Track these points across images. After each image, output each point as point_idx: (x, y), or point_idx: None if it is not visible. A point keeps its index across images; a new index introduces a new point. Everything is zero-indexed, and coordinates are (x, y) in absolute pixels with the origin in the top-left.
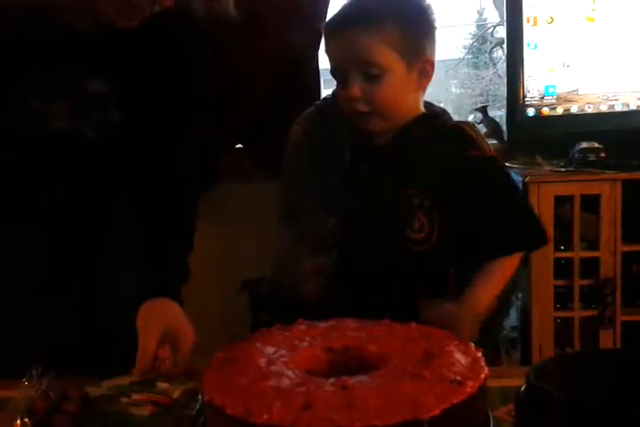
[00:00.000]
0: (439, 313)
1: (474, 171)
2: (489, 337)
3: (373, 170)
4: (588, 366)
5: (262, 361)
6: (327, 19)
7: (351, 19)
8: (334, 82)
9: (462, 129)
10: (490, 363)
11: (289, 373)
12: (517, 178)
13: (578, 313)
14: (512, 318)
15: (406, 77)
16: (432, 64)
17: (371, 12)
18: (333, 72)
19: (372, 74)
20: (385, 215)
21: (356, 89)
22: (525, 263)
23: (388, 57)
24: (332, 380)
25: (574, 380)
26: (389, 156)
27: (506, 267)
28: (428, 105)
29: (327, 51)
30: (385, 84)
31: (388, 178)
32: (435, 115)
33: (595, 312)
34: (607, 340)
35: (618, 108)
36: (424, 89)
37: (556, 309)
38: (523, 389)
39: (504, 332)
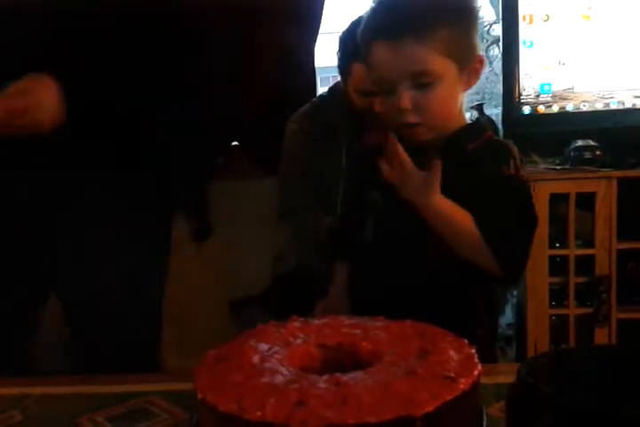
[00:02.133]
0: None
1: (508, 190)
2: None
3: None
4: (580, 363)
5: (256, 358)
6: (365, 25)
7: (402, 27)
8: (330, 80)
9: (510, 147)
10: (484, 360)
11: (282, 370)
12: None
13: (573, 311)
14: (507, 316)
15: (458, 81)
16: (482, 62)
17: (424, 19)
18: (377, 82)
19: (424, 82)
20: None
21: (407, 100)
22: None
23: (442, 64)
24: (325, 377)
25: (566, 376)
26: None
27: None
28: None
29: (369, 60)
30: (438, 92)
31: None
32: (480, 126)
33: (590, 310)
34: (602, 337)
35: (613, 106)
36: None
37: (551, 306)
38: (514, 385)
39: (499, 329)
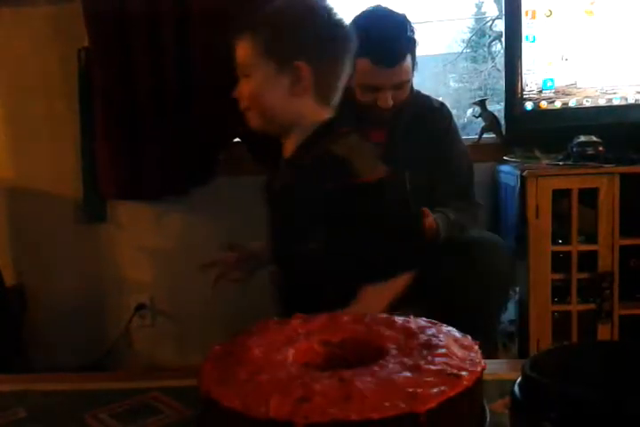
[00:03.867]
0: None
1: (345, 199)
2: (486, 331)
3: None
4: (585, 358)
5: (259, 354)
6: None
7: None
8: None
9: (343, 158)
10: (487, 356)
11: (286, 366)
12: (516, 171)
13: (575, 307)
14: (510, 312)
15: None
16: None
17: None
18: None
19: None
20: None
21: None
22: (523, 257)
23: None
24: (328, 373)
25: (570, 372)
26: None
27: (375, 292)
28: (427, 99)
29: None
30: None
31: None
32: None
33: (592, 306)
34: (605, 334)
35: (616, 102)
36: None
37: (553, 302)
38: (518, 380)
39: (502, 325)
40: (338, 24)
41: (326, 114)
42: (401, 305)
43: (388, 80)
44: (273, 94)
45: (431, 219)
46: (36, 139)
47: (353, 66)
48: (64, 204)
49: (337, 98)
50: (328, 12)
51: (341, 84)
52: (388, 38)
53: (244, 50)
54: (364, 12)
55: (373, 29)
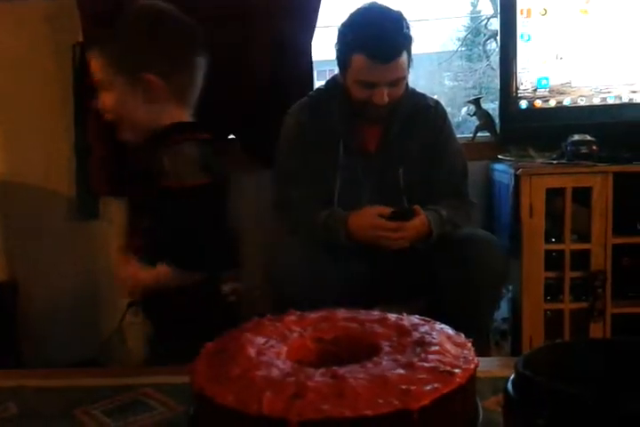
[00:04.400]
0: None
1: (159, 201)
2: (479, 328)
3: None
4: (578, 356)
5: (252, 351)
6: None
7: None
8: (327, 74)
9: (163, 162)
10: (480, 354)
11: (279, 363)
12: (510, 170)
13: (568, 305)
14: (503, 310)
15: None
16: None
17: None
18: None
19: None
20: None
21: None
22: (516, 255)
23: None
24: (322, 370)
25: (563, 369)
26: None
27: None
28: (422, 97)
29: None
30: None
31: None
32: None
33: (585, 305)
34: (597, 332)
35: (610, 101)
36: None
37: (546, 301)
38: (511, 378)
39: (495, 323)
40: (185, 29)
41: (186, 116)
42: (393, 302)
43: (383, 76)
44: (131, 105)
45: (423, 216)
46: (28, 135)
47: (203, 65)
48: (57, 200)
49: (195, 96)
50: (175, 19)
51: (198, 82)
52: (384, 34)
53: (95, 65)
54: (359, 9)
55: (369, 26)
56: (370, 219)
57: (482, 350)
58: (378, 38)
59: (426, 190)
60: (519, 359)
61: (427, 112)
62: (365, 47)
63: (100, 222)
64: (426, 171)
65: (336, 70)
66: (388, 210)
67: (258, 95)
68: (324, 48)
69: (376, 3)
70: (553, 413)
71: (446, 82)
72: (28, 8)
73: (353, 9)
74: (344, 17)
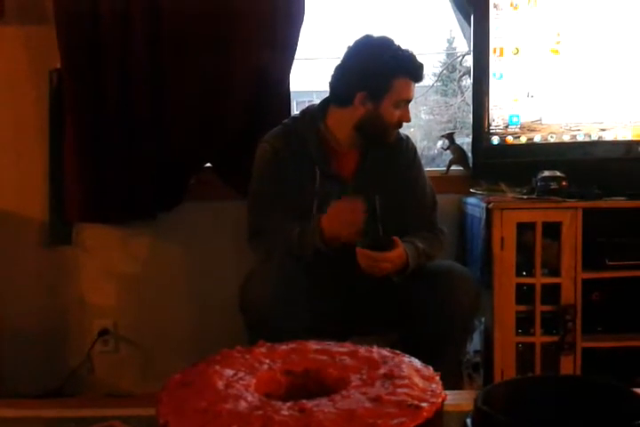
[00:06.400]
0: None
1: None
2: (452, 361)
3: None
4: (539, 392)
5: (220, 384)
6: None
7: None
8: (306, 104)
9: None
10: (452, 387)
11: (247, 396)
12: (481, 204)
13: (539, 339)
14: (475, 343)
15: None
16: None
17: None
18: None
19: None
20: None
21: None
22: (488, 288)
23: None
24: (289, 403)
25: (521, 405)
26: None
27: None
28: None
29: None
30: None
31: None
32: None
33: (556, 338)
34: (568, 365)
35: (580, 139)
36: None
37: (517, 334)
38: (471, 413)
39: (467, 356)
40: None
41: None
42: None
43: (413, 94)
44: None
45: (401, 249)
46: (2, 160)
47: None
48: (29, 226)
49: None
50: None
51: None
52: (414, 55)
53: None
54: (372, 39)
55: (400, 50)
56: (344, 215)
57: (454, 383)
58: (414, 59)
59: (400, 220)
60: (479, 394)
61: (400, 143)
62: (408, 69)
63: (72, 249)
64: (400, 201)
65: (315, 101)
66: (359, 204)
67: (235, 124)
68: (303, 79)
69: (372, 34)
70: None
71: (422, 115)
72: (5, 33)
73: (360, 44)
74: (346, 56)
